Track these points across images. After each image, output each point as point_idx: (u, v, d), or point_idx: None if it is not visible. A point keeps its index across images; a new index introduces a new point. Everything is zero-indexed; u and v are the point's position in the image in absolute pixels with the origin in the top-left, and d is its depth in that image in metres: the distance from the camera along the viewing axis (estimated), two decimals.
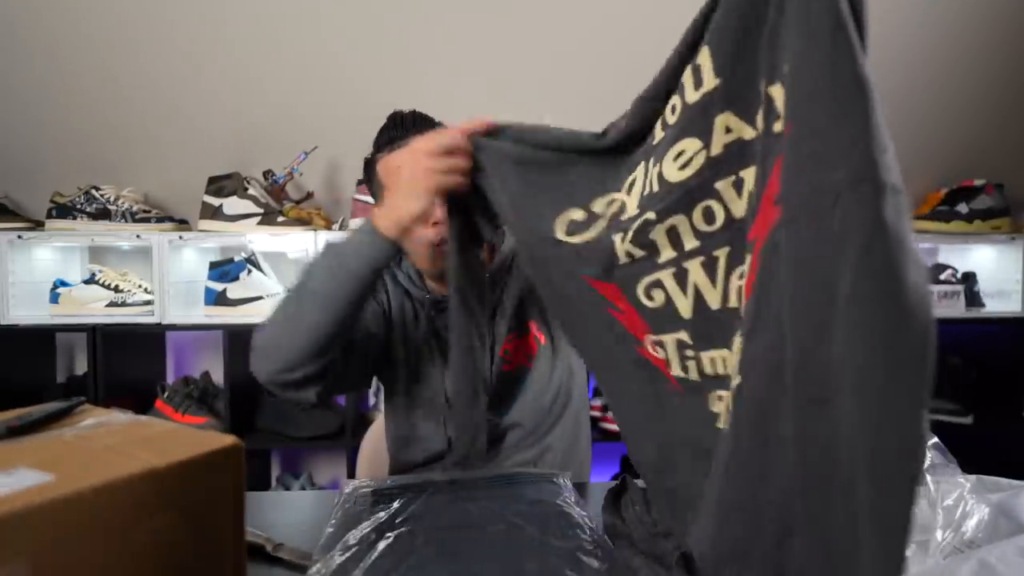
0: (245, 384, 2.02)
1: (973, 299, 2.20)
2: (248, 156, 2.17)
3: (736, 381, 0.57)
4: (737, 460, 0.55)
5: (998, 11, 2.34)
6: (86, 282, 1.99)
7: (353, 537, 0.74)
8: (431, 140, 0.86)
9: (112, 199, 2.00)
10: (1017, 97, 2.43)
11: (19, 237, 1.93)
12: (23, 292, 1.98)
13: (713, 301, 0.64)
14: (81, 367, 2.19)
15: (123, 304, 1.94)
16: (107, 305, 1.94)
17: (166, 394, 2.01)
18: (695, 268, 0.65)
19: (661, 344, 0.69)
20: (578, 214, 0.74)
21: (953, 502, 0.73)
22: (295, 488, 2.14)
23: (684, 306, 0.66)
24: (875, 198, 0.43)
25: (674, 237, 0.65)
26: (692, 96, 0.60)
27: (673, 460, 0.71)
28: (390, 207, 0.90)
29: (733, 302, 0.62)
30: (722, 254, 0.62)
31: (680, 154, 0.61)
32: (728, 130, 0.58)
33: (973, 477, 0.76)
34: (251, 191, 2.00)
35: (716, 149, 0.59)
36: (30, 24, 2.10)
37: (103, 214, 1.98)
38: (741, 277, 0.60)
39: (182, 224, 2.10)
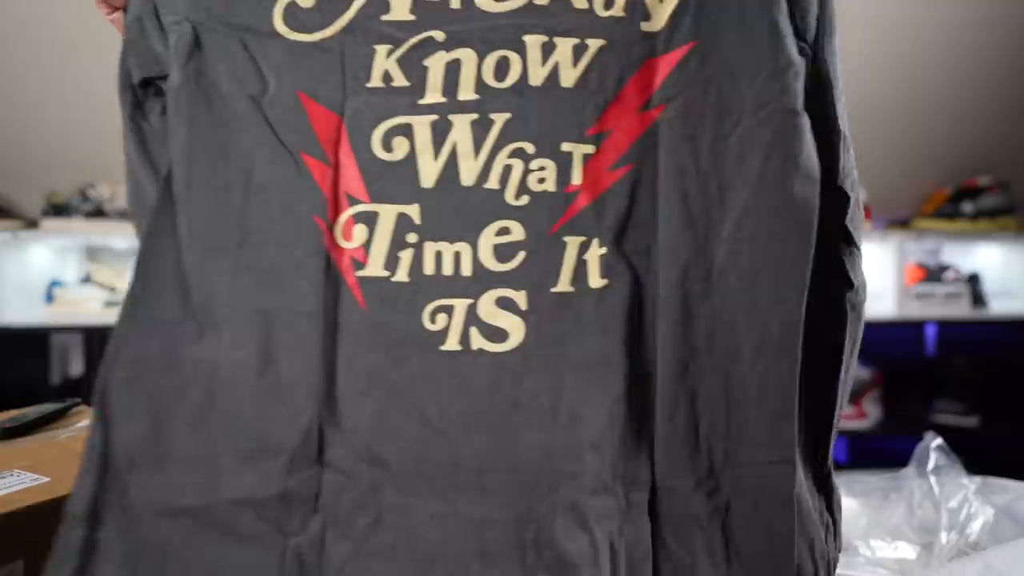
0: None
1: (978, 299, 2.18)
2: None
3: (600, 284, 0.50)
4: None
5: (1003, 10, 2.33)
6: (82, 282, 1.98)
7: None
8: None
9: (108, 198, 1.99)
10: (1023, 95, 2.42)
11: (14, 237, 1.93)
12: (18, 292, 1.97)
13: (468, 174, 0.50)
14: (76, 369, 2.18)
15: (119, 304, 1.94)
16: (103, 305, 1.93)
17: None
18: (462, 125, 0.50)
19: (370, 220, 0.49)
20: None
21: (957, 504, 0.72)
22: None
23: (429, 169, 0.49)
24: (775, 122, 0.49)
25: (451, 76, 0.50)
26: None
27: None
28: None
29: (493, 183, 0.50)
30: (499, 120, 0.50)
31: None
32: None
33: (978, 479, 0.75)
34: None
35: None
36: (24, 22, 2.10)
37: (98, 213, 1.98)
38: (524, 162, 0.50)
39: None
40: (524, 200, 0.50)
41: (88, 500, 0.47)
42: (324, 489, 0.49)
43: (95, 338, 1.90)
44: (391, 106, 0.50)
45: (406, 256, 0.50)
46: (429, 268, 0.50)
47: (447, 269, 0.50)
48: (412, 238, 0.50)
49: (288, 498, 0.48)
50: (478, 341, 0.50)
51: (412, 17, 0.50)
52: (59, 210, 1.96)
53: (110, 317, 2.14)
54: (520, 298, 0.50)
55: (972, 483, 0.74)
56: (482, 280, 0.50)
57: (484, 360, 0.50)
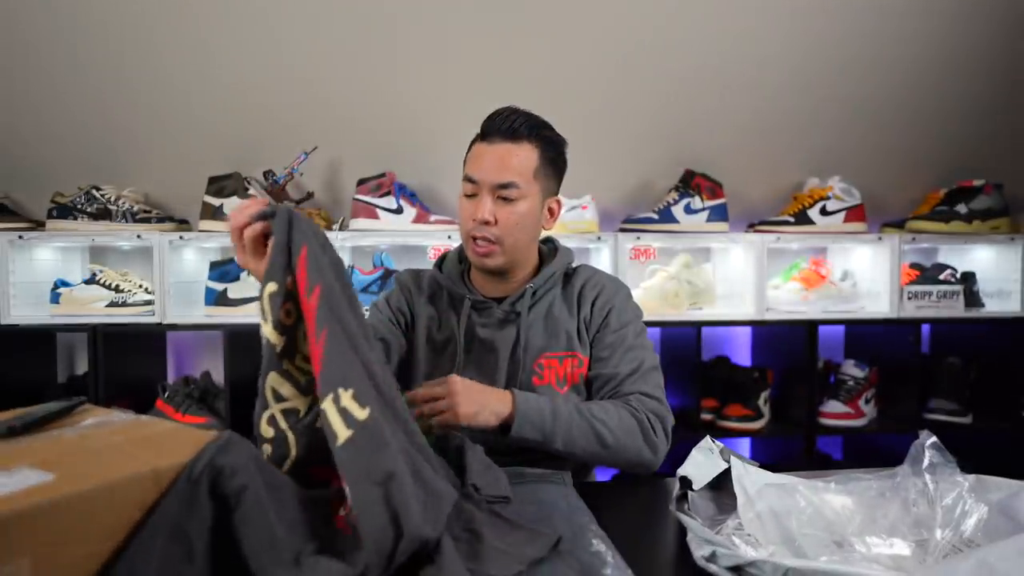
0: (246, 384, 2.02)
1: (972, 299, 2.20)
2: (248, 156, 2.17)
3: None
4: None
5: (997, 11, 2.35)
6: (87, 282, 1.99)
7: None
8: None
9: (113, 199, 2.00)
10: (1016, 97, 2.44)
11: (20, 237, 1.93)
12: (24, 292, 1.98)
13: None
14: (82, 367, 2.20)
15: (123, 304, 1.94)
16: (107, 305, 1.94)
17: (166, 394, 2.01)
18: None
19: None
20: None
21: (952, 501, 0.73)
22: None
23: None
24: (340, 332, 0.71)
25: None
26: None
27: None
28: None
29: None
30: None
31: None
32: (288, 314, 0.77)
33: (972, 477, 0.76)
34: (251, 191, 2.00)
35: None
36: (32, 24, 2.10)
37: (104, 214, 1.98)
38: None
39: (183, 224, 2.10)
40: None
41: None
42: None
43: (100, 337, 1.91)
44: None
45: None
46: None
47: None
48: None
49: None
50: None
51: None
52: (64, 211, 1.97)
53: (114, 317, 2.14)
54: None
55: (966, 480, 0.75)
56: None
57: None
